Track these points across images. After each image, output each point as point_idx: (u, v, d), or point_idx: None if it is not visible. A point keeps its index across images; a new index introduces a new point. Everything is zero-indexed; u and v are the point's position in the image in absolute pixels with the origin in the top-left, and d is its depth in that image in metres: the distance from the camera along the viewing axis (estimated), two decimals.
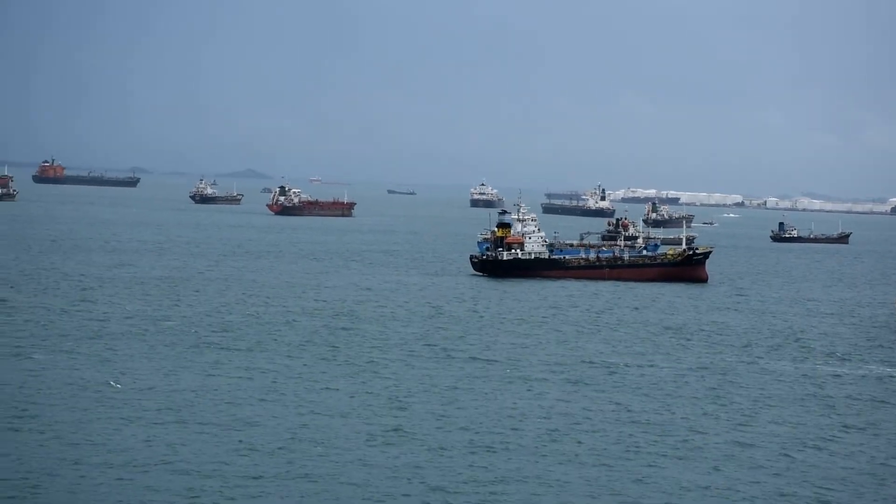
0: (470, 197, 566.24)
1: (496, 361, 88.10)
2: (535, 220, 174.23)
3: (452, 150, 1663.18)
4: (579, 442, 63.77)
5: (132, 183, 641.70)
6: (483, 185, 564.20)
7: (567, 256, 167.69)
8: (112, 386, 73.08)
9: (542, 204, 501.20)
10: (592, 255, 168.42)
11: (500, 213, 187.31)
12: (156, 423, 63.99)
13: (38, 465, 55.46)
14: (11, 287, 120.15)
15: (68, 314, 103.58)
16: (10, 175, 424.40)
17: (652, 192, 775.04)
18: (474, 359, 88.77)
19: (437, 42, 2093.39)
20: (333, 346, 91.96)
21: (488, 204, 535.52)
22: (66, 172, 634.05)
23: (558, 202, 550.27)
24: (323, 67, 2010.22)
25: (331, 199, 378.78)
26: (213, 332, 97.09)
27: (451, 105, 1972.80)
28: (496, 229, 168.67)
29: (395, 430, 64.63)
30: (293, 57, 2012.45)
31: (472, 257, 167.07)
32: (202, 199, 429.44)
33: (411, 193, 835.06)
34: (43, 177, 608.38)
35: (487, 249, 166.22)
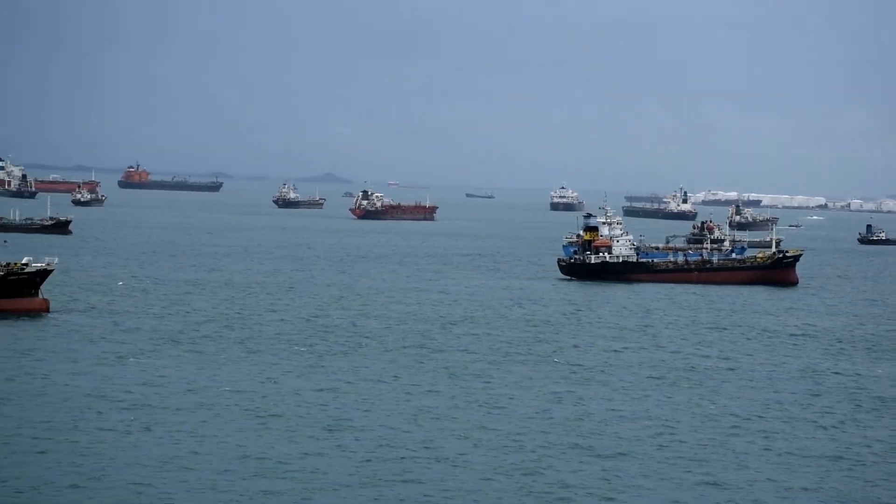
0: (550, 200, 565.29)
1: (593, 366, 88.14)
2: (621, 224, 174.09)
3: (527, 154, 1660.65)
4: (680, 443, 63.72)
5: (215, 188, 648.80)
6: (563, 188, 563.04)
7: (655, 260, 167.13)
8: (217, 389, 74.23)
9: (622, 207, 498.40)
10: (681, 259, 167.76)
11: (584, 217, 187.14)
12: (261, 427, 64.95)
13: (145, 466, 56.57)
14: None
15: (165, 319, 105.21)
16: (98, 181, 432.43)
17: (733, 195, 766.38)
18: (570, 363, 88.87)
19: (509, 46, 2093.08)
20: (429, 350, 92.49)
21: (568, 207, 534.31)
22: (150, 177, 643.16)
23: (639, 205, 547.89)
24: (397, 73, 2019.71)
25: (413, 203, 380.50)
26: (309, 335, 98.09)
27: (525, 109, 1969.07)
28: (582, 233, 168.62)
29: (500, 433, 64.93)
30: (365, 63, 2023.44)
31: (559, 261, 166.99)
32: (285, 203, 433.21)
33: (490, 197, 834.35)
34: (128, 182, 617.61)
35: (575, 253, 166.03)
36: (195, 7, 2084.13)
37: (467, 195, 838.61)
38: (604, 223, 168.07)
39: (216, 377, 78.27)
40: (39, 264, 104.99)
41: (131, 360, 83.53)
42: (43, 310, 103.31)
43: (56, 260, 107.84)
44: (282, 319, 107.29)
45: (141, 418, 65.61)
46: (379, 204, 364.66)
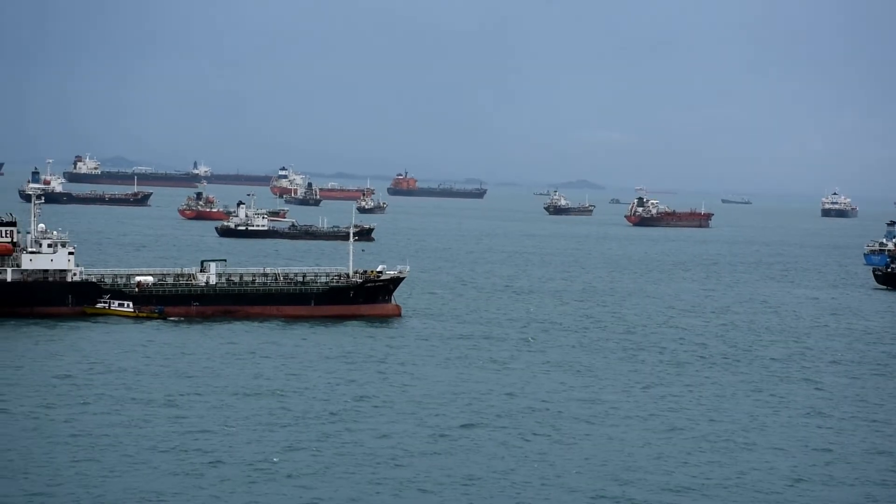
0: (821, 206, 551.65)
1: None
2: None
3: (778, 158, 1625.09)
4: None
5: (479, 194, 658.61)
6: (835, 193, 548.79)
7: None
8: (605, 400, 76.77)
9: None
10: None
11: (889, 225, 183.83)
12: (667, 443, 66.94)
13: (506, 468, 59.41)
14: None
15: (505, 326, 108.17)
16: (373, 188, 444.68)
17: None
18: None
19: (767, 46, 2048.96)
20: (774, 360, 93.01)
21: (841, 213, 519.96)
22: (417, 184, 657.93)
23: None
24: (641, 76, 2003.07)
25: (688, 210, 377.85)
26: (664, 347, 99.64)
27: (778, 113, 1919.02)
28: (889, 242, 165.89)
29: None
30: (620, 70, 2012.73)
31: (874, 270, 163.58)
32: (556, 210, 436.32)
33: (747, 203, 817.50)
34: (397, 189, 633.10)
35: (891, 261, 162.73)
36: (454, 22, 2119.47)
37: (723, 201, 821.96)
38: None
39: (590, 387, 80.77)
40: (393, 272, 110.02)
41: (490, 366, 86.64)
42: (395, 315, 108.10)
43: (408, 268, 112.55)
44: (630, 332, 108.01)
45: (548, 423, 68.33)
46: (654, 211, 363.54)
